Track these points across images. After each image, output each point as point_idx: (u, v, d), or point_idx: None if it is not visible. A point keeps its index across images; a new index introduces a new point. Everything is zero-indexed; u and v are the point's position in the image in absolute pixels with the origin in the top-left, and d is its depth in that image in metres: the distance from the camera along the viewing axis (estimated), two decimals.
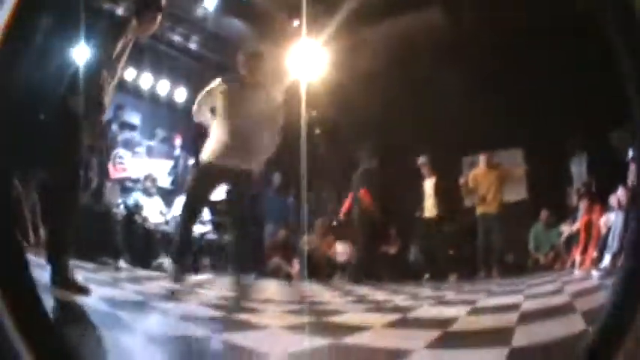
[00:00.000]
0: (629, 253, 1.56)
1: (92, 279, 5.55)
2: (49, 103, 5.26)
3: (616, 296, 1.51)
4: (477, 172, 10.14)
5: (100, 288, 5.23)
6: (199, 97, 6.59)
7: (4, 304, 1.50)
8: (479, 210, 9.96)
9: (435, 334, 3.91)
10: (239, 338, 3.63)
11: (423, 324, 4.79)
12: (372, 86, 10.07)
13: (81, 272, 4.88)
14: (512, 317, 4.38)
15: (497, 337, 3.71)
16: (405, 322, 4.90)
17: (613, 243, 7.39)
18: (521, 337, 3.57)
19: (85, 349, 2.54)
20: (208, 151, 6.34)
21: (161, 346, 3.30)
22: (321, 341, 3.60)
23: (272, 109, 6.68)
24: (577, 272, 8.29)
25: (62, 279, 4.27)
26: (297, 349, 3.40)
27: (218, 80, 6.55)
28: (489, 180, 9.90)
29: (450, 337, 3.92)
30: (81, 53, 5.01)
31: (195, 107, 6.64)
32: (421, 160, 10.27)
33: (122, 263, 8.15)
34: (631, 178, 6.97)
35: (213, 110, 6.57)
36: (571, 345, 3.08)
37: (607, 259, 7.46)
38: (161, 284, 6.84)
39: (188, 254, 6.86)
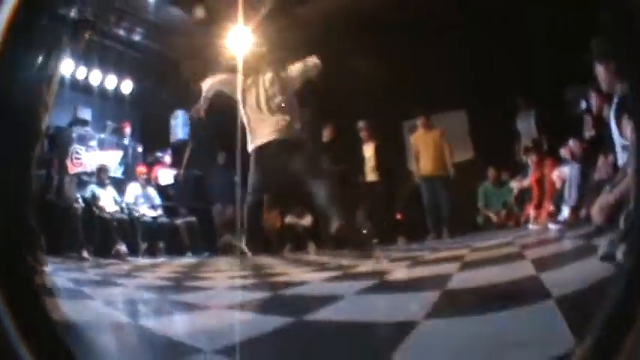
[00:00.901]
0: (630, 252, 1.54)
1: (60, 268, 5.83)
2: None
3: (616, 296, 1.47)
4: (416, 135, 10.20)
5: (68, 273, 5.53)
6: None
7: (4, 305, 1.51)
8: (421, 172, 9.96)
9: (369, 283, 4.07)
10: (185, 298, 3.91)
11: (360, 276, 4.93)
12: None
13: (49, 265, 5.11)
14: (453, 267, 4.41)
15: (432, 282, 3.75)
16: (344, 276, 5.01)
17: (570, 195, 7.20)
18: (458, 282, 3.66)
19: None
20: None
21: (119, 309, 3.55)
22: (258, 295, 3.86)
23: None
24: (531, 227, 8.35)
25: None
26: (234, 302, 3.63)
27: None
28: (428, 142, 9.91)
29: (383, 284, 4.06)
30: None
31: None
32: (360, 124, 10.28)
33: (85, 254, 8.36)
34: (588, 129, 7.17)
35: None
36: (519, 287, 3.21)
37: (565, 212, 7.29)
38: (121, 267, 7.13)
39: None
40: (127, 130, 11.74)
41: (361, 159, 10.30)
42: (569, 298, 2.57)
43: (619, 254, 2.97)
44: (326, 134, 10.01)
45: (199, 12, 10.29)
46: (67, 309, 3.25)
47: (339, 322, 3.00)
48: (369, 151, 10.27)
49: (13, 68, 1.67)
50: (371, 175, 10.22)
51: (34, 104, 4.90)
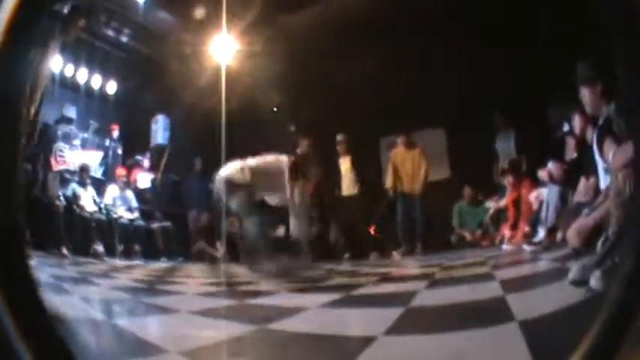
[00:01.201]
0: (630, 253, 1.46)
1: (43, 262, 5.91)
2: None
3: (616, 296, 1.44)
4: (397, 152, 10.14)
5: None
6: None
7: (4, 304, 1.49)
8: (399, 188, 9.92)
9: (335, 296, 4.19)
10: (157, 301, 4.02)
11: (327, 290, 5.04)
12: (291, 72, 10.07)
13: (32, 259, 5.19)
14: (420, 284, 4.53)
15: (397, 299, 3.83)
16: (311, 288, 5.17)
17: (547, 217, 7.02)
18: (424, 299, 3.75)
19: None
20: None
21: (98, 307, 3.66)
22: (227, 302, 3.97)
23: None
24: (505, 247, 8.22)
25: None
26: (203, 308, 3.74)
27: None
28: (407, 159, 9.87)
29: (349, 299, 4.17)
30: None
31: None
32: (338, 137, 10.24)
33: (65, 251, 8.42)
34: (569, 151, 7.17)
35: None
36: (483, 308, 3.25)
37: (541, 234, 7.17)
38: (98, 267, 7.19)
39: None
40: (115, 132, 11.73)
41: (337, 172, 10.32)
42: (534, 322, 2.64)
43: (593, 280, 3.06)
44: (302, 146, 10.00)
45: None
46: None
47: (299, 333, 3.10)
48: (344, 164, 10.32)
49: (12, 67, 1.68)
50: (346, 189, 10.28)
51: (24, 99, 4.95)
